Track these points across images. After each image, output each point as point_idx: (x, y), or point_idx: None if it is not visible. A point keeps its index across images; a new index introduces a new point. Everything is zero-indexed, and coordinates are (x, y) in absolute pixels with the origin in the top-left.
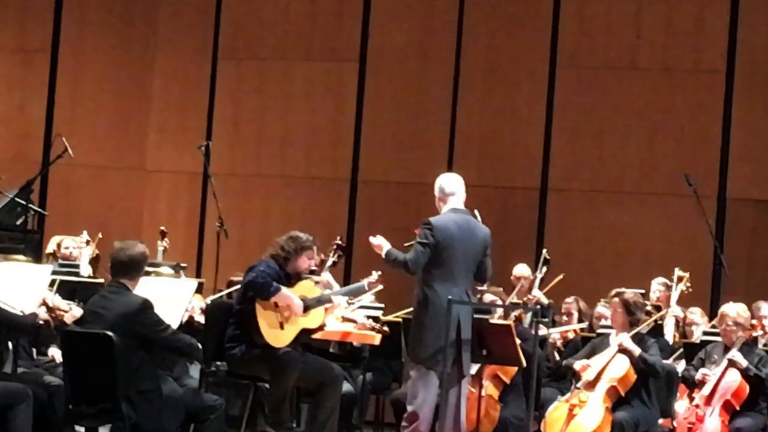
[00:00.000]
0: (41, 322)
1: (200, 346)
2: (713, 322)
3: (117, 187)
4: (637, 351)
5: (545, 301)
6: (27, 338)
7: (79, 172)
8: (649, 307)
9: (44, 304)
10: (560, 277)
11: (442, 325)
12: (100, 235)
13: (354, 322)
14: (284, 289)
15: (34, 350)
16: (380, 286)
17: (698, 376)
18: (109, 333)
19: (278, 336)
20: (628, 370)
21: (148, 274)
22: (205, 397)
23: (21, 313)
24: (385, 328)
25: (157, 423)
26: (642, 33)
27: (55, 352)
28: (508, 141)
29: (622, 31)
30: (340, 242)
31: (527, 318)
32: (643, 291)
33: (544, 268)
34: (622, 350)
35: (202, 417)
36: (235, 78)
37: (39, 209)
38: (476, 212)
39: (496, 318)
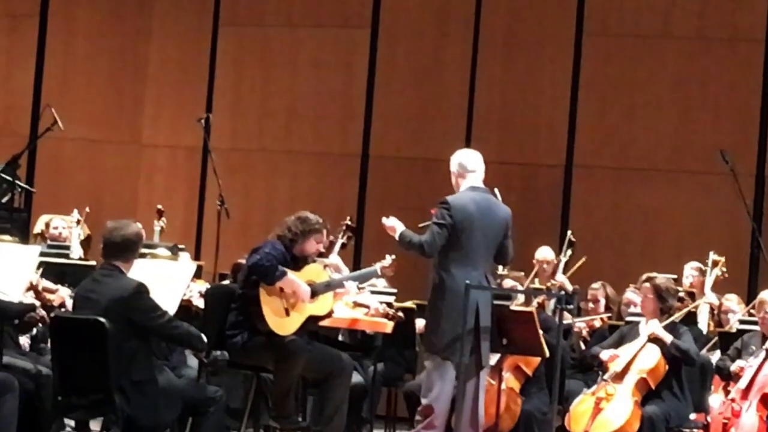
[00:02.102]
0: (42, 314)
1: (202, 335)
2: (751, 310)
3: (110, 163)
4: (669, 338)
5: (570, 286)
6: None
7: (69, 147)
8: (681, 294)
9: (31, 287)
10: (583, 260)
11: (459, 312)
12: (87, 209)
13: (366, 307)
14: (290, 274)
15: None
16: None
17: (734, 368)
18: (101, 319)
19: (283, 323)
20: (658, 361)
21: (143, 256)
22: (204, 388)
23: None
24: (400, 314)
25: (152, 416)
26: None
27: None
28: (530, 114)
29: None
30: (349, 223)
31: (550, 305)
32: (675, 276)
33: (569, 251)
34: (653, 339)
35: (201, 409)
36: (238, 45)
37: (26, 186)
38: (496, 191)
39: (517, 305)
